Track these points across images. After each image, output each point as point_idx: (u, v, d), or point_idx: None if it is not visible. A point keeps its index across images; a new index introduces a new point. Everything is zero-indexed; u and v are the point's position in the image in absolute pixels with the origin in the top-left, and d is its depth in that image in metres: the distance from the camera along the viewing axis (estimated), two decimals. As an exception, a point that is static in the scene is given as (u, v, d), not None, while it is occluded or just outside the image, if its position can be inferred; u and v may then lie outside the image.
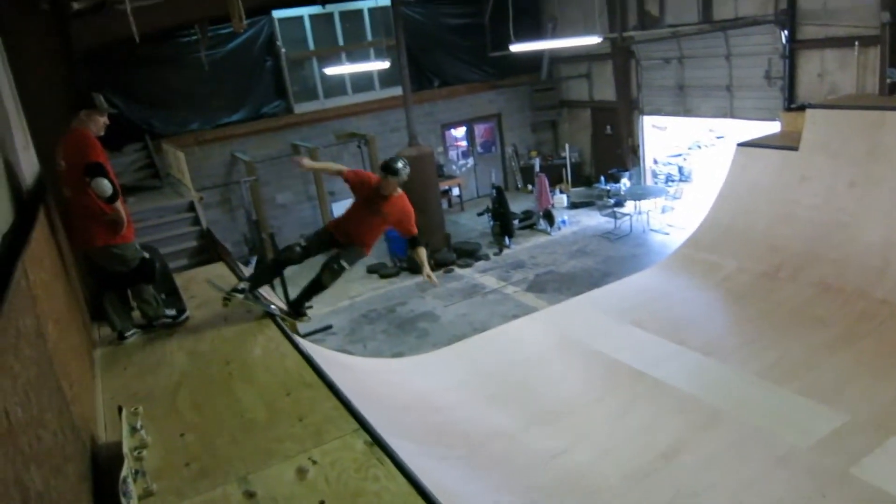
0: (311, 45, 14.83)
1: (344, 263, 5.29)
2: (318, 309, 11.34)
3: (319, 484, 3.12)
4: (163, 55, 12.91)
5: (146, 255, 5.03)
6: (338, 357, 7.65)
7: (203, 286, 6.16)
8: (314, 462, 3.29)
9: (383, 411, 5.84)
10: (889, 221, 8.27)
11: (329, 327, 10.49)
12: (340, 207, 15.16)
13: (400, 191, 5.37)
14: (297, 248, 5.26)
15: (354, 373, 7.04)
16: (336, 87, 15.30)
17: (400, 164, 5.18)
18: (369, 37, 15.44)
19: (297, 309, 5.59)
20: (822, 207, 9.06)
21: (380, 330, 10.33)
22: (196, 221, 9.33)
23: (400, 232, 5.56)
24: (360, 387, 6.26)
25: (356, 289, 12.22)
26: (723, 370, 7.15)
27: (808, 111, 9.71)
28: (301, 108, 14.83)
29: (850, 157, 8.99)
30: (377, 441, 3.41)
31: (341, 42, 15.18)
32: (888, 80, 9.85)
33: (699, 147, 15.02)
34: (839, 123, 9.32)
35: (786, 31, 11.37)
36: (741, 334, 7.95)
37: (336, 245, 5.41)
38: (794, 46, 11.46)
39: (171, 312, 5.26)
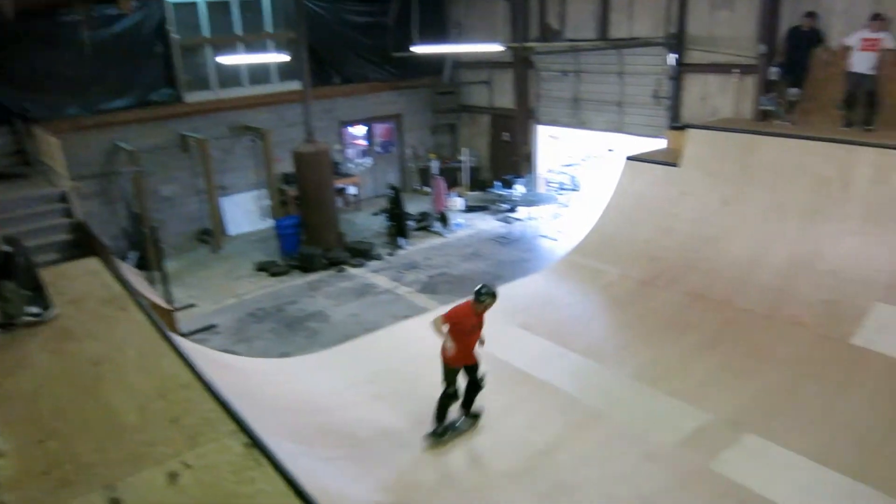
0: (207, 33, 14.27)
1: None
2: (203, 307, 10.95)
3: (192, 489, 3.03)
4: (39, 33, 11.98)
5: (7, 248, 4.70)
6: (220, 357, 7.41)
7: (74, 282, 5.79)
8: (188, 466, 3.18)
9: (266, 412, 5.73)
10: (754, 238, 9.04)
11: (213, 326, 10.12)
12: (230, 202, 14.76)
13: None
14: (455, 393, 6.33)
15: (237, 373, 6.86)
16: (231, 77, 14.79)
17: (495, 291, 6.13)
18: (269, 28, 15.05)
19: (473, 413, 6.56)
20: (697, 221, 9.72)
21: (267, 329, 10.08)
22: (68, 213, 8.73)
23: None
24: (243, 387, 6.11)
25: (244, 286, 11.86)
26: (601, 372, 7.52)
27: (690, 131, 10.37)
28: (192, 97, 14.21)
29: (725, 177, 9.71)
30: (256, 442, 3.34)
31: (239, 31, 14.70)
32: (760, 108, 10.64)
33: (590, 158, 15.65)
34: (716, 144, 10.03)
35: (674, 55, 12.05)
36: (619, 338, 8.40)
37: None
38: (681, 69, 12.17)
39: (35, 310, 4.92)
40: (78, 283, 5.75)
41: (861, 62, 9.11)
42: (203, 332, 9.88)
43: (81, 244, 7.88)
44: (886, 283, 7.66)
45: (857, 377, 6.82)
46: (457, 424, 6.40)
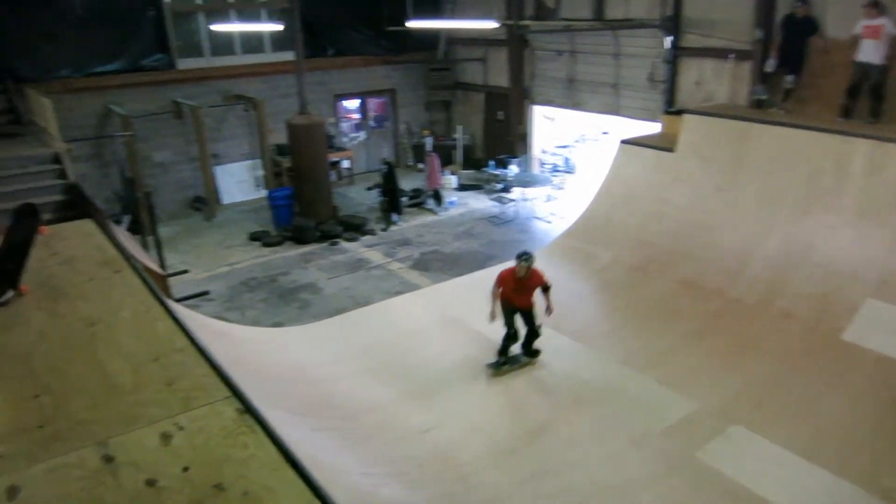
0: (200, -1, 14.08)
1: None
2: (195, 274, 10.92)
3: (184, 450, 3.03)
4: (29, -9, 11.80)
5: None
6: (213, 324, 7.40)
7: (68, 242, 5.74)
8: (181, 428, 3.19)
9: (258, 380, 5.74)
10: (748, 227, 8.98)
11: (206, 293, 10.09)
12: (223, 171, 14.69)
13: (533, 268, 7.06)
14: (515, 335, 7.25)
15: (230, 340, 6.86)
16: (224, 45, 14.61)
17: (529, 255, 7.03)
18: (263, -4, 14.85)
19: (531, 351, 7.45)
20: (690, 208, 9.68)
21: (259, 299, 10.07)
22: (62, 174, 8.64)
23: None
24: (235, 354, 6.11)
25: (237, 255, 11.83)
26: (591, 355, 7.56)
27: (685, 116, 10.30)
28: (185, 63, 14.05)
29: (719, 163, 9.64)
30: (249, 409, 3.34)
31: (232, -1, 14.50)
32: (753, 98, 10.60)
33: (585, 140, 15.62)
34: (711, 130, 9.93)
35: (670, 37, 11.99)
36: (610, 322, 8.42)
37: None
38: (677, 53, 12.09)
39: None
40: (71, 243, 5.70)
41: (866, 51, 8.98)
42: (196, 298, 9.86)
43: (75, 205, 7.81)
44: (878, 279, 7.58)
45: (846, 373, 6.78)
46: (517, 357, 7.35)
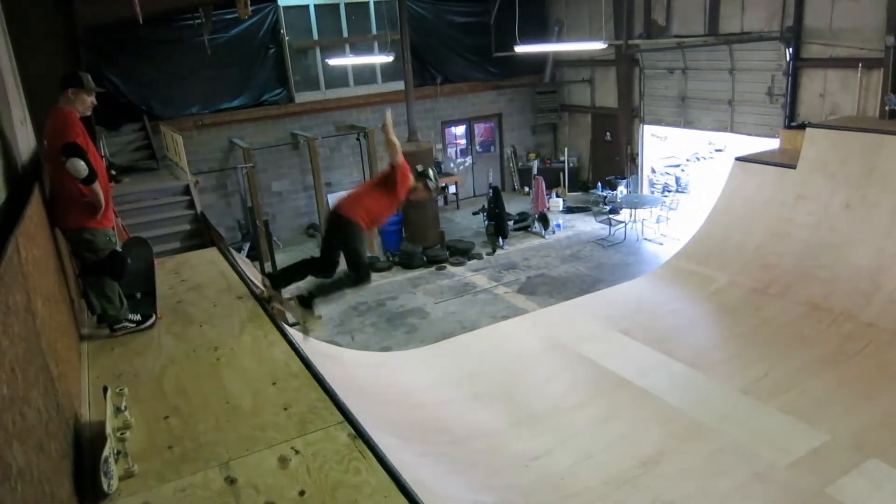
0: (316, 35, 14.81)
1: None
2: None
3: (300, 474, 3.14)
4: (165, 37, 12.87)
5: (118, 247, 4.75)
6: (325, 348, 7.65)
7: (195, 269, 6.16)
8: (297, 452, 3.31)
9: (367, 404, 5.86)
10: (881, 245, 8.32)
11: (318, 318, 10.45)
12: (335, 198, 15.19)
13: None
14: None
15: (341, 364, 7.06)
16: (338, 78, 15.29)
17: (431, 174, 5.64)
18: (374, 30, 15.43)
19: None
20: (816, 227, 9.10)
21: (369, 323, 10.34)
22: (191, 205, 9.31)
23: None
24: (346, 379, 6.28)
25: (347, 281, 12.22)
26: (707, 383, 7.19)
27: (808, 130, 9.74)
28: (302, 97, 14.81)
29: (847, 179, 9.03)
30: (360, 434, 3.43)
31: (346, 34, 15.17)
32: (887, 108, 9.87)
33: (697, 159, 15.07)
34: (838, 144, 9.34)
35: (790, 49, 11.41)
36: (728, 348, 7.99)
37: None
38: (798, 64, 11.49)
39: (136, 317, 4.88)
40: (198, 270, 6.11)
41: None
42: (308, 323, 10.23)
43: (201, 234, 8.38)
44: None
45: None
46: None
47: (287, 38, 14.22)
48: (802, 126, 10.17)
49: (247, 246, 12.02)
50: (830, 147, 9.39)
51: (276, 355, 4.42)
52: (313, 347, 6.47)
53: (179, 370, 4.25)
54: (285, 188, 14.86)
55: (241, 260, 8.01)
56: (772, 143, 11.32)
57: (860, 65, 10.46)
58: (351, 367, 7.22)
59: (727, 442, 6.10)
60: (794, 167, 9.61)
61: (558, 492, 5.65)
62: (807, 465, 5.68)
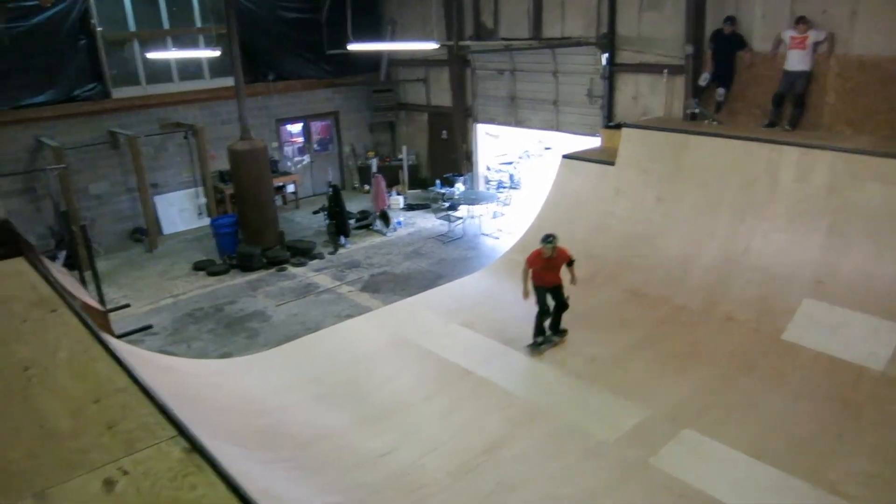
0: (133, 27, 13.81)
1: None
2: (137, 308, 10.60)
3: (129, 496, 2.91)
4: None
5: None
6: (158, 358, 7.18)
7: (-3, 283, 5.50)
8: (124, 472, 3.06)
9: (206, 415, 5.59)
10: (688, 235, 9.28)
11: (149, 327, 9.80)
12: (164, 200, 14.38)
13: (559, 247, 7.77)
14: (546, 311, 7.82)
15: (176, 375, 6.66)
16: (161, 73, 14.36)
17: (553, 237, 7.71)
18: (199, 23, 14.67)
19: (560, 330, 8.14)
20: (633, 219, 9.93)
21: (206, 329, 9.84)
22: (-9, 211, 8.32)
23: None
24: (182, 390, 5.95)
25: (180, 286, 11.53)
26: (543, 369, 7.62)
27: (624, 130, 10.60)
28: (120, 92, 13.73)
29: (659, 175, 9.94)
30: (196, 447, 3.24)
31: (167, 25, 14.28)
32: (688, 112, 10.96)
33: (529, 156, 15.84)
34: (649, 143, 10.26)
35: (606, 54, 12.31)
36: (560, 334, 8.50)
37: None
38: (613, 69, 12.42)
39: None
40: (3, 284, 5.46)
41: (793, 61, 9.48)
42: (138, 332, 9.56)
43: (5, 243, 7.49)
44: (813, 279, 7.94)
45: (788, 372, 7.04)
46: (550, 337, 7.94)
47: (100, 29, 13.10)
48: (619, 126, 11.03)
49: (62, 254, 10.96)
50: (643, 146, 10.29)
51: (99, 370, 4.05)
52: (144, 359, 6.05)
53: (-18, 395, 3.78)
54: (105, 190, 13.70)
55: (56, 269, 7.26)
56: (594, 142, 12.15)
57: (666, 70, 11.53)
58: (186, 378, 6.83)
59: (561, 423, 6.51)
60: (613, 164, 10.40)
61: (407, 486, 5.72)
62: (631, 439, 6.22)
